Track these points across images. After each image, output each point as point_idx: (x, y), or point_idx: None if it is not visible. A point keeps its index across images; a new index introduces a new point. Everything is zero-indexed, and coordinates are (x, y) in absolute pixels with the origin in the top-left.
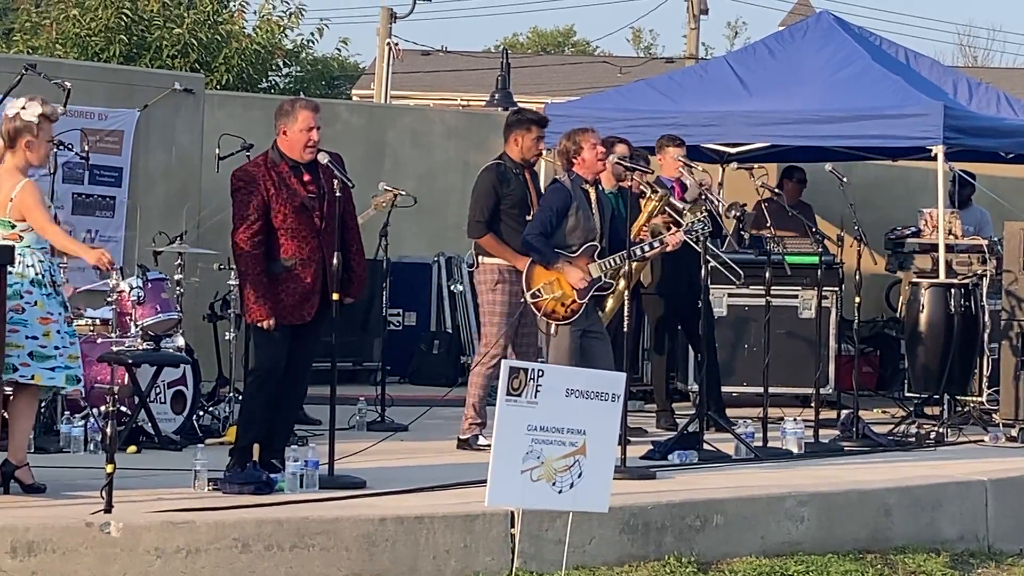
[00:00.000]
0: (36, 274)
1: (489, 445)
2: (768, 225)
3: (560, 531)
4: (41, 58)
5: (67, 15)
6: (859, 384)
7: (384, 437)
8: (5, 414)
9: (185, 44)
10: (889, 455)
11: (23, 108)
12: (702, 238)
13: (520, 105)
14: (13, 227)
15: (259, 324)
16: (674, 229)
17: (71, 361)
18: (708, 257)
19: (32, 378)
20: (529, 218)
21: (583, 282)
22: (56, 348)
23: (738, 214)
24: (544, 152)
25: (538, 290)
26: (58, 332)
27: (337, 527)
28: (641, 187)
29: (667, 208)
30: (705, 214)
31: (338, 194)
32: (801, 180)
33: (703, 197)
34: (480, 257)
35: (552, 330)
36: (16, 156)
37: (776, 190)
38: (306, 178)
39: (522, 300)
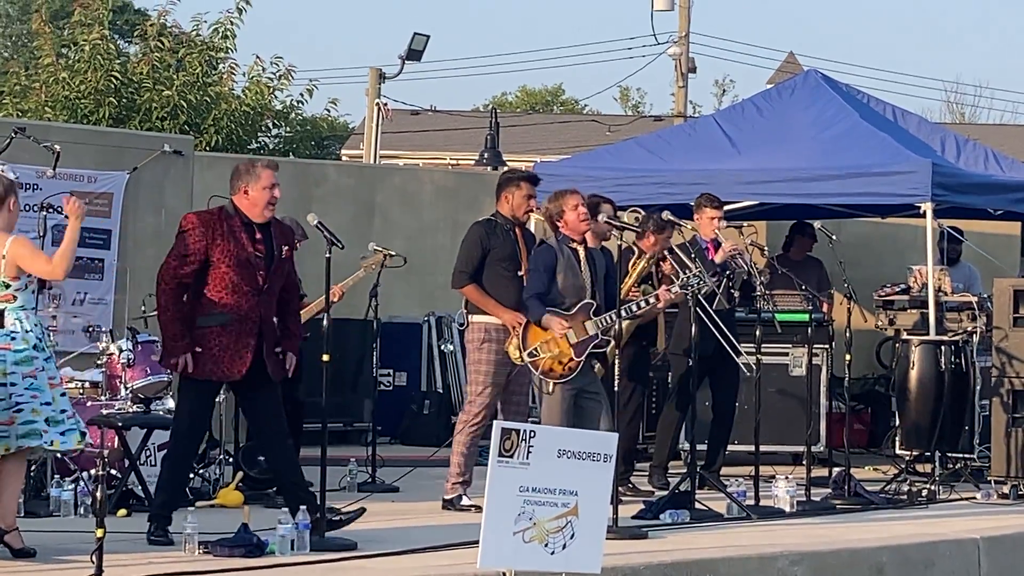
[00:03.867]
0: (36, 339)
1: (473, 505)
2: (761, 282)
3: None
4: (30, 121)
5: (56, 78)
6: (850, 442)
7: (365, 496)
8: None
9: (174, 106)
10: (881, 513)
11: (1, 169)
12: (697, 294)
13: (509, 163)
14: (7, 287)
15: (172, 363)
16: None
17: (72, 420)
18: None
19: (52, 444)
20: (521, 273)
21: (562, 328)
22: (63, 411)
23: (729, 272)
24: (536, 209)
25: (535, 348)
26: (62, 395)
27: None
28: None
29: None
30: (699, 270)
31: (283, 256)
32: (811, 235)
33: (733, 260)
34: (470, 316)
35: (548, 388)
36: (2, 216)
37: (764, 247)
38: (257, 236)
39: (508, 359)
